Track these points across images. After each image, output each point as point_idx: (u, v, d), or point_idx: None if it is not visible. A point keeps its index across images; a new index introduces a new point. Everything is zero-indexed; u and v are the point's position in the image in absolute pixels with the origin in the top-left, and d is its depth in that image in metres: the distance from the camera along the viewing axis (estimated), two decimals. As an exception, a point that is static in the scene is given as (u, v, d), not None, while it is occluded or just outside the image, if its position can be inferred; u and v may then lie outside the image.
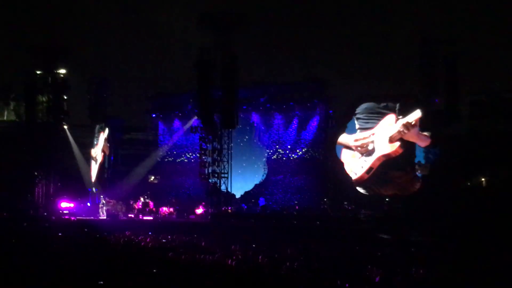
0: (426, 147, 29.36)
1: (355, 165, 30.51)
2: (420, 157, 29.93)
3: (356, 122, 31.29)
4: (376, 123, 30.48)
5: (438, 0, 40.09)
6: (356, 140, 30.66)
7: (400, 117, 29.29)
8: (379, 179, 30.14)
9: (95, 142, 40.55)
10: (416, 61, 31.14)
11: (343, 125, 32.29)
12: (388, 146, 29.45)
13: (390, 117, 29.87)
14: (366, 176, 30.09)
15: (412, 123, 28.81)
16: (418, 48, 30.93)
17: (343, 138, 31.54)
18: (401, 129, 28.95)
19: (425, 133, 29.25)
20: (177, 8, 41.66)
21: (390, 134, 29.42)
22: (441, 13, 39.51)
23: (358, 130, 31.11)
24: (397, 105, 29.82)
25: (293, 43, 43.67)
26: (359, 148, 30.56)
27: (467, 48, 31.97)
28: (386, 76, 38.51)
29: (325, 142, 35.37)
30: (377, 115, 30.56)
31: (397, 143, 29.17)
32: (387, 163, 29.71)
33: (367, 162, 30.20)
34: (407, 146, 29.25)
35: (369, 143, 30.09)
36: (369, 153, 30.15)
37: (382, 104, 30.36)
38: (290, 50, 43.23)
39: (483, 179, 30.81)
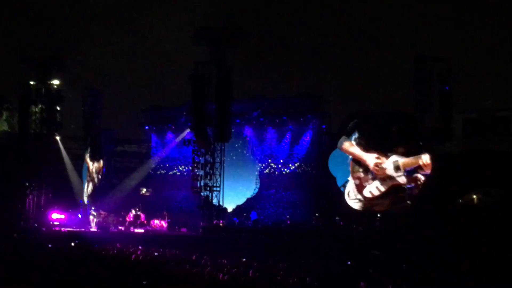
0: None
1: (370, 185, 29.39)
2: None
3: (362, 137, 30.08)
4: (387, 147, 29.05)
5: (432, 19, 40.35)
6: (377, 164, 29.08)
7: (413, 150, 28.13)
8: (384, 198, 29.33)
9: (88, 154, 40.46)
10: (409, 78, 31.24)
11: (336, 140, 32.34)
12: (403, 178, 28.39)
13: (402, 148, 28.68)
14: (378, 196, 29.17)
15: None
16: (412, 66, 31.03)
17: (360, 154, 29.87)
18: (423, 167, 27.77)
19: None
20: (173, 22, 41.82)
21: (407, 167, 28.29)
22: (435, 31, 39.78)
23: (364, 146, 29.76)
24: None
25: (288, 58, 43.93)
26: (377, 171, 29.19)
27: (461, 66, 32.17)
28: (380, 92, 38.72)
29: (318, 157, 35.37)
30: (388, 139, 29.36)
31: (415, 178, 28.09)
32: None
33: (383, 186, 29.08)
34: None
35: (385, 167, 28.99)
36: (385, 177, 28.93)
37: (395, 130, 29.29)
38: (284, 65, 43.45)
39: (474, 197, 30.84)
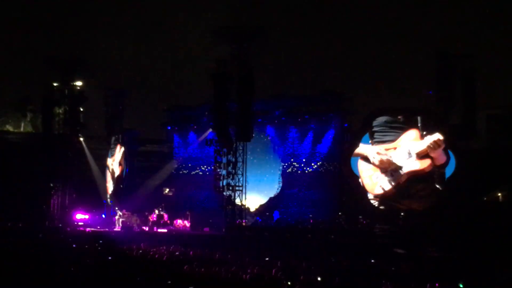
0: (440, 166, 27.37)
1: (380, 180, 28.29)
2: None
3: (372, 135, 29.10)
4: (396, 137, 28.20)
5: (455, 15, 39.98)
6: (378, 154, 28.39)
7: (425, 133, 27.19)
8: (403, 193, 28.02)
9: (111, 154, 40.70)
10: (433, 75, 30.97)
11: (359, 139, 32.09)
12: (417, 162, 27.31)
13: (412, 132, 27.70)
14: (393, 191, 28.02)
15: (442, 141, 26.90)
16: (435, 62, 30.75)
17: (362, 149, 29.20)
18: (431, 146, 26.78)
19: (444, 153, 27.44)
20: (194, 21, 41.96)
21: (417, 150, 27.20)
22: (458, 27, 39.42)
23: (375, 143, 28.84)
24: (419, 119, 27.63)
25: (309, 56, 43.79)
26: (381, 163, 28.28)
27: (485, 62, 31.85)
28: (402, 90, 38.47)
29: (340, 156, 35.21)
30: (396, 129, 28.37)
31: (429, 160, 27.05)
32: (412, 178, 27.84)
33: (394, 177, 27.93)
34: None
35: (392, 158, 28.00)
36: (395, 168, 27.87)
37: (402, 118, 28.26)
38: (306, 63, 43.35)
39: (499, 194, 30.54)
